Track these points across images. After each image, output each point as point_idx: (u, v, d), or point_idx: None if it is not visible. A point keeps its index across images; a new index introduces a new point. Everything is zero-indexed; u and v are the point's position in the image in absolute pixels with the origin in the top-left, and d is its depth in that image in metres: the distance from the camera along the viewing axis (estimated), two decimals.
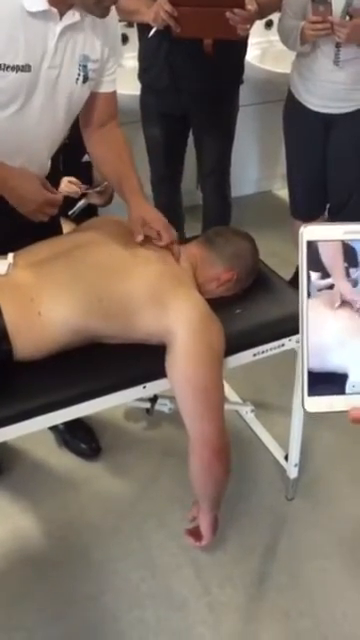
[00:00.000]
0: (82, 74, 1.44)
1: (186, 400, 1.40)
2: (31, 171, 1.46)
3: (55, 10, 1.31)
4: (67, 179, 2.09)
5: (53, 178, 1.82)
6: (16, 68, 1.30)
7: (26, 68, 1.32)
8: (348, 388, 0.62)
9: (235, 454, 1.98)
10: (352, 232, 0.62)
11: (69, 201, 2.03)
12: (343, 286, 0.62)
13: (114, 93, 1.57)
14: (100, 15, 1.36)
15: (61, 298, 1.39)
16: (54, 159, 1.64)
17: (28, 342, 1.37)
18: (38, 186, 1.44)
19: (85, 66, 1.43)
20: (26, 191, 1.42)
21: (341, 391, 0.62)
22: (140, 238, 1.48)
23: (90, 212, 2.22)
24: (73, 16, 1.34)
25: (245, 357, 1.56)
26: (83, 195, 2.15)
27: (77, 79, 1.44)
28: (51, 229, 1.56)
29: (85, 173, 2.14)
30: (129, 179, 1.56)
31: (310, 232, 0.61)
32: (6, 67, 1.28)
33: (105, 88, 1.53)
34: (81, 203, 2.15)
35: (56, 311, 1.38)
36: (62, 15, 1.33)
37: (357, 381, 0.63)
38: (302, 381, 0.62)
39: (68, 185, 2.08)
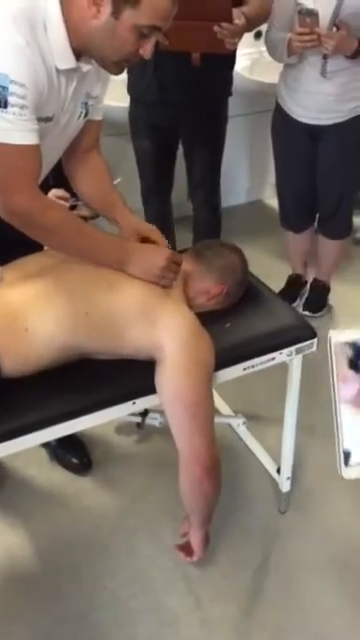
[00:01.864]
0: (84, 111, 1.47)
1: (175, 416, 1.39)
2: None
3: (80, 64, 1.34)
4: (55, 192, 2.07)
5: (42, 191, 1.84)
6: (44, 119, 1.33)
7: (51, 118, 1.36)
8: None
9: (227, 467, 1.96)
10: None
11: None
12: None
13: (101, 121, 1.59)
14: (115, 73, 1.39)
15: (48, 313, 1.38)
16: None
17: (16, 359, 1.36)
18: (157, 248, 1.49)
19: (86, 103, 1.46)
20: (146, 260, 1.44)
21: None
22: None
23: None
24: (87, 64, 1.37)
25: (235, 371, 1.55)
26: (72, 208, 2.13)
27: (79, 117, 1.47)
28: (38, 243, 1.55)
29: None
30: (113, 197, 1.59)
31: (336, 335, 0.76)
32: (39, 119, 1.30)
33: (96, 116, 1.55)
34: None
35: (43, 327, 1.37)
36: None
37: None
38: (339, 456, 0.79)
39: (56, 198, 2.06)
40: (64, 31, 1.28)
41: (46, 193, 1.97)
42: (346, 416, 0.76)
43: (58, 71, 1.31)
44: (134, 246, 1.48)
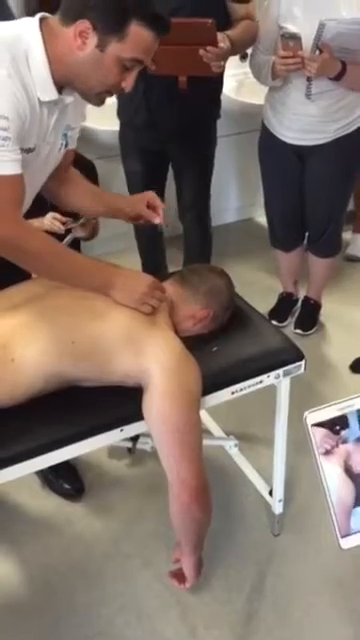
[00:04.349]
0: (64, 142, 1.50)
1: (163, 442, 1.39)
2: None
3: (63, 96, 1.37)
4: (52, 214, 2.09)
5: (39, 213, 1.92)
6: (26, 150, 1.35)
7: (32, 149, 1.37)
8: None
9: (220, 490, 1.97)
10: (347, 407, 0.79)
11: (55, 238, 2.03)
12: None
13: (75, 148, 1.62)
14: (97, 104, 1.42)
15: (34, 343, 1.38)
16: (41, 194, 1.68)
17: (2, 389, 1.37)
18: (140, 274, 1.54)
19: (66, 134, 1.49)
20: (127, 285, 1.45)
21: (347, 532, 0.79)
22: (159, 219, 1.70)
23: (74, 247, 2.21)
24: (69, 96, 1.39)
25: (223, 395, 1.55)
26: (68, 230, 2.15)
27: (60, 148, 1.49)
28: (24, 272, 1.55)
29: None
30: (102, 195, 1.74)
31: (313, 417, 0.79)
32: (20, 150, 1.31)
33: (72, 145, 1.57)
34: (67, 238, 2.15)
35: (29, 357, 1.37)
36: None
37: None
38: (334, 529, 0.80)
39: (52, 221, 2.08)
40: (46, 63, 1.30)
41: (43, 215, 2.01)
42: (334, 490, 0.79)
43: (41, 103, 1.33)
44: (117, 270, 1.49)
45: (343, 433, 0.78)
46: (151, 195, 1.71)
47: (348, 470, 0.78)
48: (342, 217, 2.56)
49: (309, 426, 0.79)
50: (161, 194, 2.60)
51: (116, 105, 2.42)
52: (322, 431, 0.78)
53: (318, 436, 0.78)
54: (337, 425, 0.78)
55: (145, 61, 1.34)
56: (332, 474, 0.78)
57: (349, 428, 0.78)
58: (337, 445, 0.78)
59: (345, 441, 0.78)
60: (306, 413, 0.78)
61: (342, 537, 0.79)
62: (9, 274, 1.48)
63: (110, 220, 1.85)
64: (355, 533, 0.78)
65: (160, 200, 1.70)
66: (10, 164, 1.28)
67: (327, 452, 0.78)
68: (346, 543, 0.78)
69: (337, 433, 0.78)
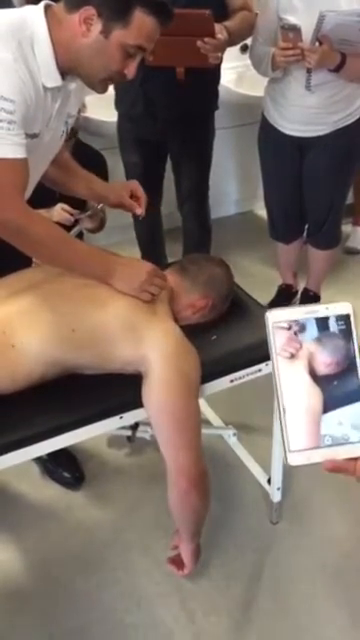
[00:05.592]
0: (64, 129, 1.52)
1: (161, 429, 1.40)
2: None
3: (66, 83, 1.38)
4: (60, 206, 2.10)
5: (48, 204, 1.96)
6: (31, 136, 1.36)
7: (37, 135, 1.39)
8: (322, 441, 0.73)
9: (219, 478, 1.98)
10: (311, 312, 0.75)
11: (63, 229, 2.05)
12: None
13: None
14: (100, 91, 1.44)
15: (34, 330, 1.39)
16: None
17: (3, 375, 1.38)
18: (140, 262, 1.56)
19: (67, 122, 1.51)
20: (128, 273, 1.46)
21: (317, 445, 0.73)
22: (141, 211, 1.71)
23: (79, 238, 2.22)
24: (72, 82, 1.41)
25: (222, 383, 1.56)
26: (76, 221, 2.16)
27: (61, 136, 1.51)
28: (24, 260, 1.56)
29: (79, 199, 2.15)
30: (92, 178, 1.73)
31: (275, 316, 0.74)
32: (25, 135, 1.33)
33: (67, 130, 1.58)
34: (75, 229, 2.17)
35: (29, 343, 1.38)
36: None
37: (329, 434, 0.73)
38: (284, 440, 0.73)
39: (60, 212, 2.09)
40: (51, 49, 1.32)
41: (52, 206, 2.03)
42: (304, 398, 0.73)
43: (45, 89, 1.34)
44: (117, 259, 1.50)
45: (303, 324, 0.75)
46: (135, 185, 1.73)
47: (312, 374, 0.73)
48: (341, 209, 2.56)
49: (270, 325, 0.73)
50: (160, 185, 2.62)
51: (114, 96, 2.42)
52: (285, 334, 0.74)
53: (280, 339, 0.73)
54: (298, 327, 0.75)
55: (148, 48, 1.36)
56: (299, 381, 0.73)
57: (307, 331, 0.74)
58: (301, 347, 0.73)
59: (303, 331, 0.74)
60: (267, 312, 0.74)
61: (310, 449, 0.72)
62: (9, 262, 1.49)
63: (110, 212, 1.86)
64: (316, 448, 0.72)
65: (142, 190, 1.72)
66: (15, 147, 1.29)
67: (292, 356, 0.73)
68: (294, 460, 0.72)
69: (297, 332, 0.74)
